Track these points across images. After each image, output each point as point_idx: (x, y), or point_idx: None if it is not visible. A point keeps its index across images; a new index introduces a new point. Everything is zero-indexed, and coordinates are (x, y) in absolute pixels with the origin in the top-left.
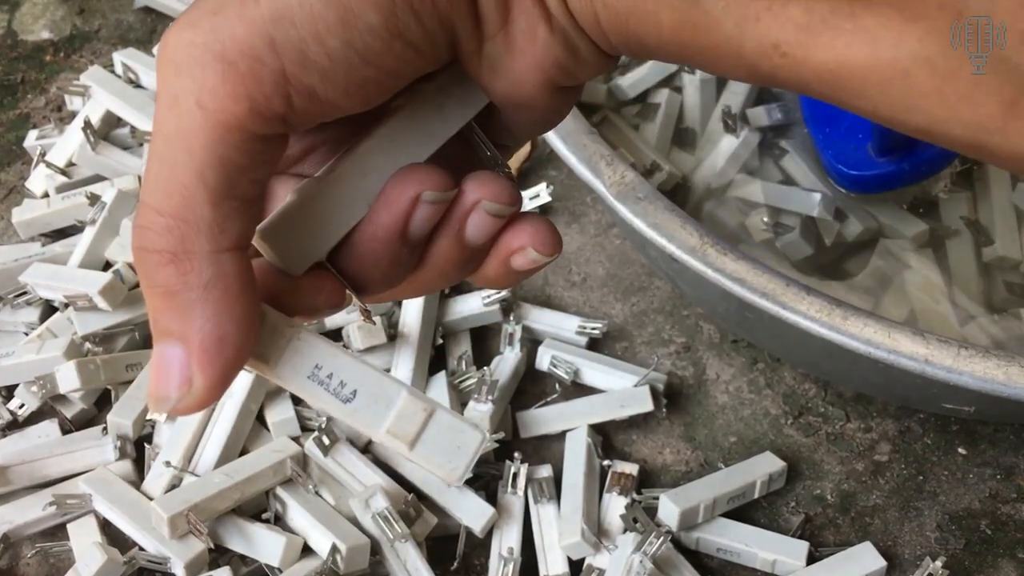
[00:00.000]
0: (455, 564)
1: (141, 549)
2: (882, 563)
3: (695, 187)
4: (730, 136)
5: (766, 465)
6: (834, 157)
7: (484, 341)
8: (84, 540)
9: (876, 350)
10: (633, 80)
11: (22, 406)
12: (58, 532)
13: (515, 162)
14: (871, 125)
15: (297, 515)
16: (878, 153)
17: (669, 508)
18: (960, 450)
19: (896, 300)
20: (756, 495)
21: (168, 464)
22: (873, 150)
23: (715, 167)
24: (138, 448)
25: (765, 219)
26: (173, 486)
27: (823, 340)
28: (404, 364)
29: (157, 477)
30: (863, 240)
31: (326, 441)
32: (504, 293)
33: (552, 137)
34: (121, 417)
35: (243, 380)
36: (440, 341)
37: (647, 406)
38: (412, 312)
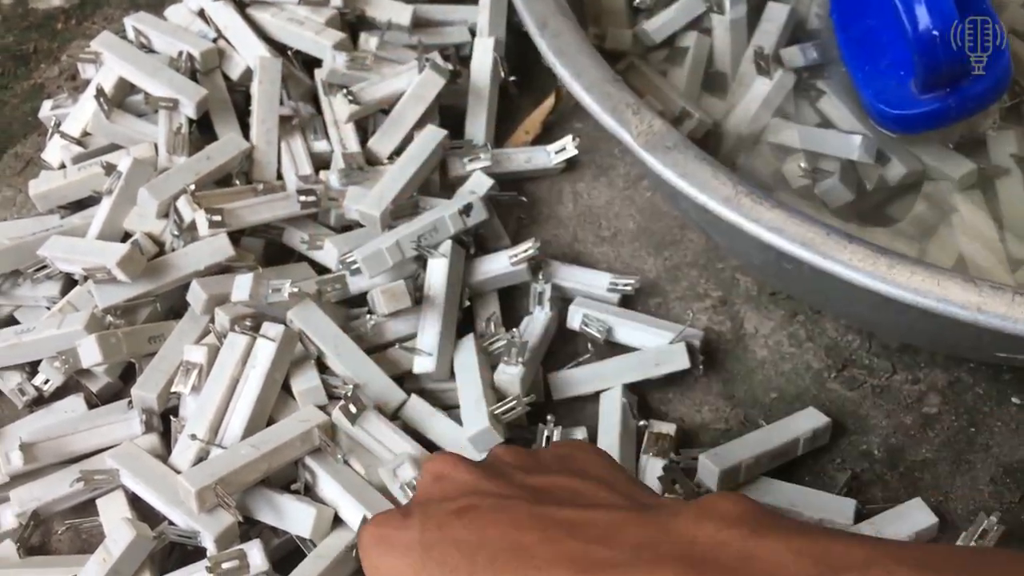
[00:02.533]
0: None
1: (171, 524)
2: (934, 519)
3: (727, 134)
4: (763, 78)
5: (809, 421)
6: (875, 96)
7: (512, 301)
8: (113, 515)
9: (924, 299)
10: (659, 24)
11: (47, 381)
12: (88, 507)
13: (539, 115)
14: (914, 60)
15: (327, 486)
16: (922, 90)
17: (709, 469)
18: (1014, 400)
19: (943, 246)
20: (799, 452)
21: (194, 437)
22: (917, 87)
23: (748, 112)
24: (164, 421)
25: (802, 164)
26: (200, 459)
27: (867, 290)
28: (431, 328)
29: (184, 450)
30: (906, 183)
31: (353, 409)
32: (532, 251)
33: (575, 87)
34: (145, 391)
35: (267, 349)
36: (467, 303)
37: (683, 363)
38: (437, 274)
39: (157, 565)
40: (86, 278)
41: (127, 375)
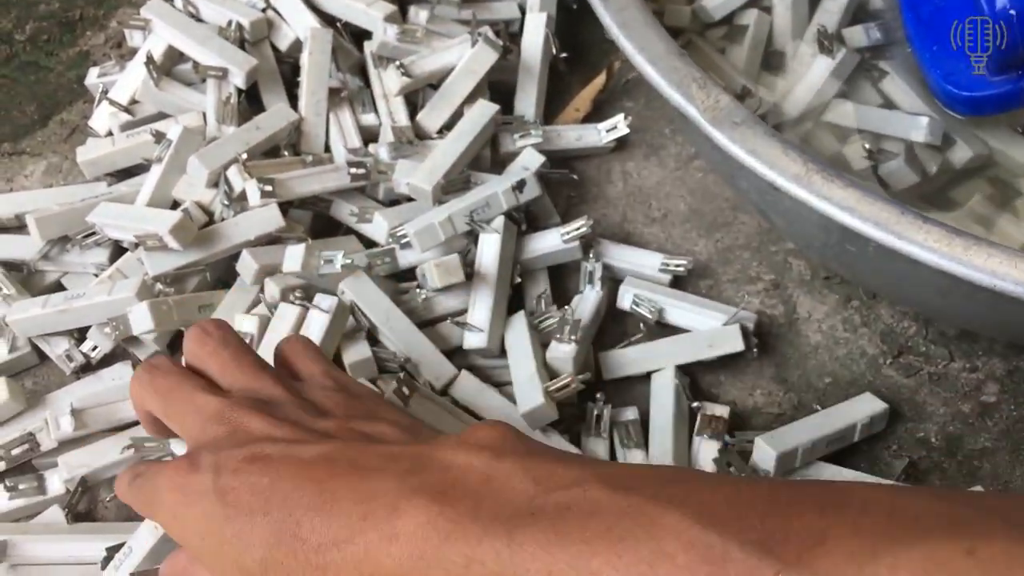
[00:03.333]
0: None
1: None
2: None
3: (786, 114)
4: (825, 58)
5: (867, 406)
6: (943, 77)
7: (561, 280)
8: None
9: (1002, 282)
10: (719, 1)
11: (95, 348)
12: None
13: (590, 92)
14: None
15: None
16: (994, 71)
17: (766, 452)
18: None
19: (1007, 232)
20: (856, 438)
21: None
22: (988, 68)
23: (808, 92)
24: None
25: (866, 146)
26: None
27: (940, 273)
28: (482, 303)
29: None
30: (971, 168)
31: (406, 391)
32: (585, 229)
33: (640, 60)
34: None
35: (319, 321)
36: (519, 280)
37: (737, 346)
38: (490, 249)
39: None
40: (136, 245)
41: (173, 345)
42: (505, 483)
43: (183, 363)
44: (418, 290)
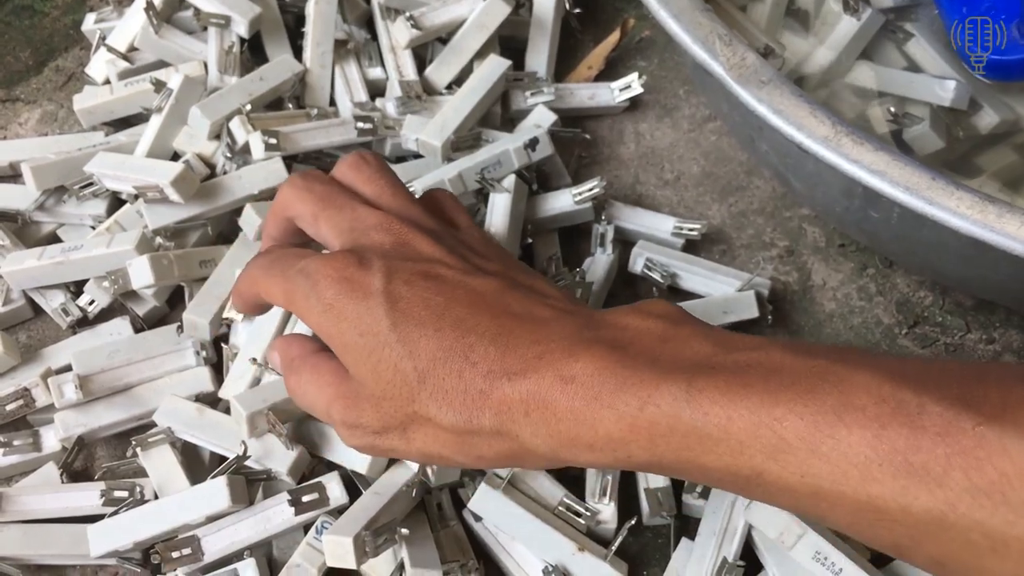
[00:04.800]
0: None
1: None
2: None
3: (809, 74)
4: (849, 18)
5: None
6: (972, 40)
7: (572, 242)
8: (161, 467)
9: None
10: None
11: (92, 302)
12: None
13: (603, 50)
14: (1018, 3)
15: None
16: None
17: None
18: None
19: None
20: None
21: (254, 361)
22: (1018, 31)
23: (832, 52)
24: (215, 349)
25: (891, 109)
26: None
27: (968, 240)
28: None
29: (237, 379)
30: (997, 133)
31: None
32: (597, 190)
33: (663, 14)
34: (197, 315)
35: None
36: (529, 240)
37: (752, 312)
38: (500, 208)
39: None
40: (136, 197)
41: (173, 300)
42: (682, 343)
43: None
44: None
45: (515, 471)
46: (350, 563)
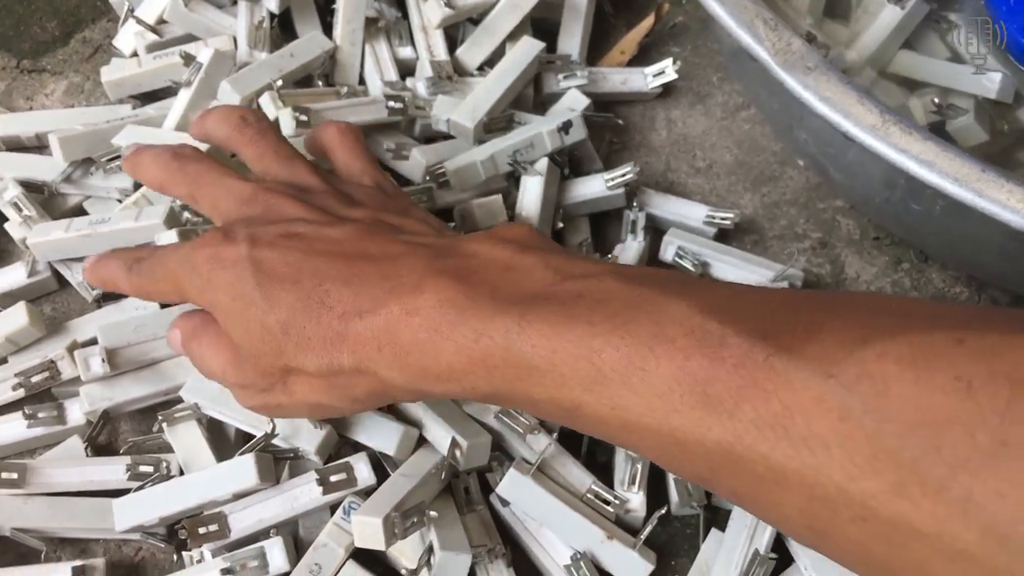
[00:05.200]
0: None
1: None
2: None
3: (850, 63)
4: (893, 7)
5: None
6: (1020, 31)
7: (602, 228)
8: (187, 443)
9: None
10: None
11: None
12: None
13: (636, 35)
14: None
15: (412, 405)
16: None
17: None
18: None
19: None
20: None
21: None
22: None
23: (874, 41)
24: None
25: (935, 100)
26: None
27: (1014, 234)
28: None
29: None
30: None
31: None
32: (630, 175)
33: None
34: None
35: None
36: (560, 225)
37: None
38: (532, 191)
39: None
40: None
41: None
42: (526, 272)
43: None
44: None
45: (544, 457)
46: (379, 544)
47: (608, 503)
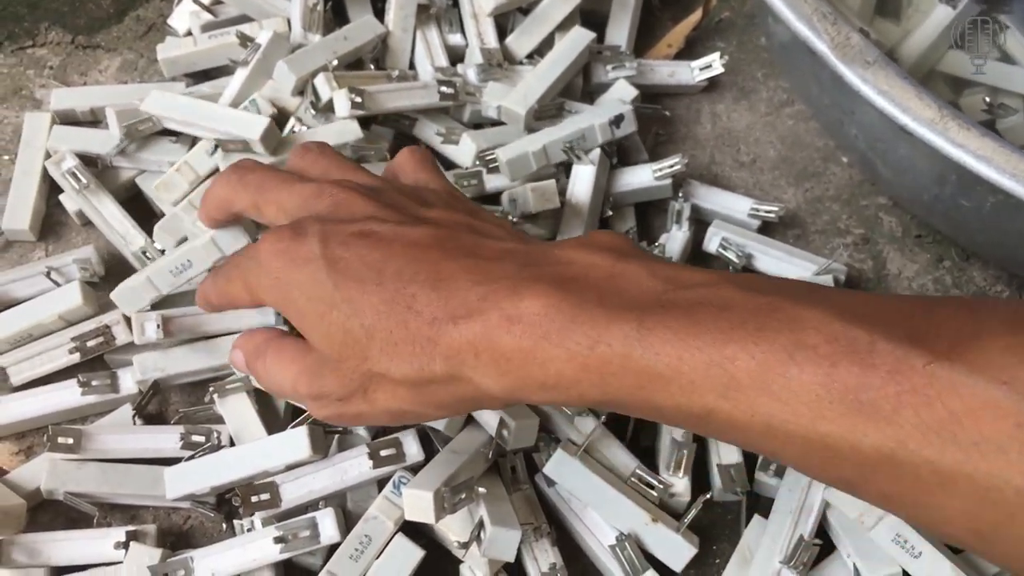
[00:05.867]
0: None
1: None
2: None
3: (901, 61)
4: (944, 6)
5: None
6: None
7: (647, 218)
8: (238, 414)
9: None
10: None
11: (163, 251)
12: (204, 388)
13: (684, 28)
14: None
15: None
16: None
17: None
18: None
19: None
20: None
21: None
22: None
23: (925, 40)
24: None
25: (987, 99)
26: None
27: None
28: (572, 234)
29: None
30: None
31: None
32: (679, 166)
33: None
34: None
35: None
36: (609, 213)
37: None
38: (584, 180)
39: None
40: (216, 147)
41: None
42: (631, 280)
43: None
44: (501, 215)
45: (591, 440)
46: (429, 518)
47: (652, 487)
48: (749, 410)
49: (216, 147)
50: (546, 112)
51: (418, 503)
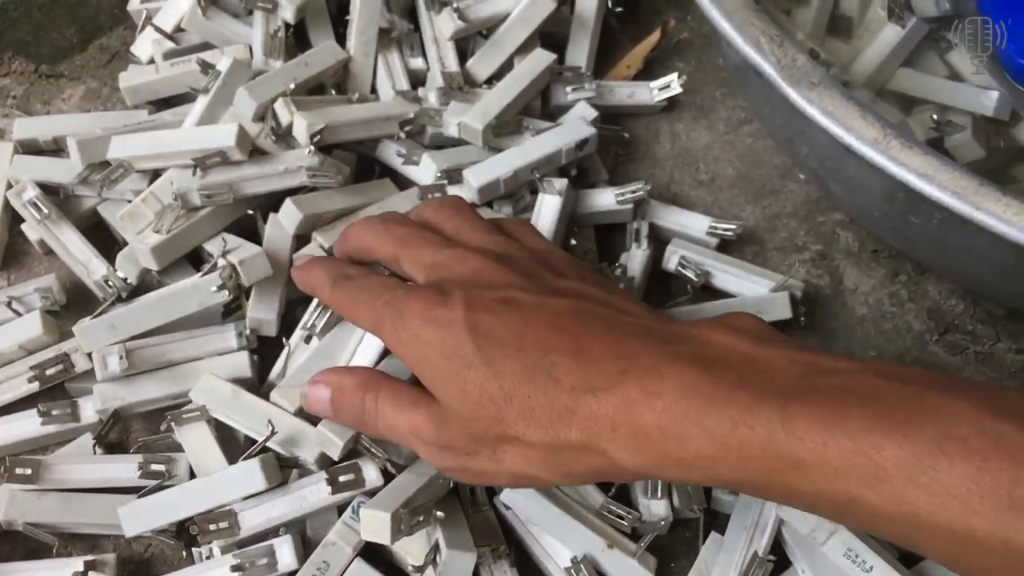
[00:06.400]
0: None
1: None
2: None
3: (852, 80)
4: (893, 26)
5: None
6: (1017, 51)
7: (606, 236)
8: (197, 445)
9: None
10: None
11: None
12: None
13: (643, 50)
14: None
15: None
16: None
17: None
18: None
19: None
20: None
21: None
22: None
23: (875, 59)
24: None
25: (935, 116)
26: None
27: (1009, 247)
28: None
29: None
30: None
31: None
32: (641, 192)
33: (714, 14)
34: (262, 313)
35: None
36: (573, 242)
37: (785, 313)
38: (549, 210)
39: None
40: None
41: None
42: (770, 364)
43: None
44: None
45: None
46: (385, 538)
47: (623, 518)
48: (894, 500)
49: (195, 167)
50: (505, 128)
51: (375, 523)
